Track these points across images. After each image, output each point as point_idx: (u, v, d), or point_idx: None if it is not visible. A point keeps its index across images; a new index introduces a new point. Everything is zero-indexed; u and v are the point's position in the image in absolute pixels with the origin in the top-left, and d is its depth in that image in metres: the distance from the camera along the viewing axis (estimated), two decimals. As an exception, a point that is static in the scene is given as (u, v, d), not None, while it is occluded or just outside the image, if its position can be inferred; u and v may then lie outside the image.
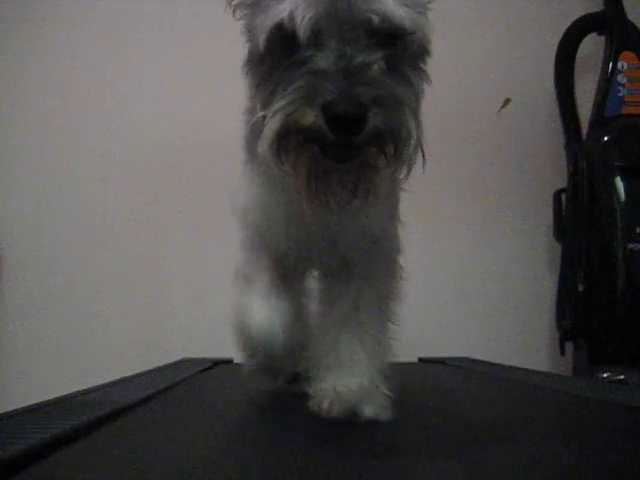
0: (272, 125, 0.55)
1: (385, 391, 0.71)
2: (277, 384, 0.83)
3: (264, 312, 0.69)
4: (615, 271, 1.58)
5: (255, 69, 0.62)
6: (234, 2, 0.64)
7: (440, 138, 1.81)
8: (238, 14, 0.64)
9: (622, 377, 1.51)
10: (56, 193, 1.84)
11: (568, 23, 1.76)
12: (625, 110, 1.69)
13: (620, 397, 0.87)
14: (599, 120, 1.70)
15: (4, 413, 0.68)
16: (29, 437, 0.54)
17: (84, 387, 0.92)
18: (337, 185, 0.59)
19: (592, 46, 1.80)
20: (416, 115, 0.58)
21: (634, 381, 1.49)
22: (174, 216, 1.82)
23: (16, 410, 0.70)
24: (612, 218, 1.60)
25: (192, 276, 1.80)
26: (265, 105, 0.58)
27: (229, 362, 1.43)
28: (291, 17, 0.55)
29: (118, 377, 1.07)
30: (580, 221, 1.65)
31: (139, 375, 1.14)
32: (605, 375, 1.54)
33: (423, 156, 0.60)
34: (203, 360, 1.46)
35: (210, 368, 1.34)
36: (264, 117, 0.57)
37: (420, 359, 1.57)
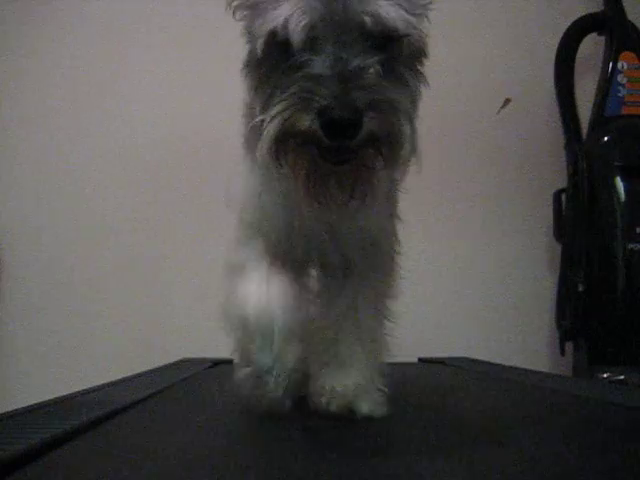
0: (270, 130, 0.56)
1: (381, 388, 0.73)
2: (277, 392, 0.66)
3: (265, 299, 0.67)
4: (615, 271, 1.58)
5: (254, 72, 0.63)
6: (234, 3, 0.64)
7: (440, 138, 1.82)
8: (238, 15, 0.64)
9: (622, 377, 1.51)
10: (56, 193, 1.84)
11: (568, 23, 1.76)
12: (625, 110, 1.69)
13: (620, 397, 0.87)
14: (599, 120, 1.70)
15: (4, 413, 0.68)
16: (29, 437, 0.54)
17: (84, 387, 0.92)
18: (335, 187, 0.59)
19: (592, 46, 1.80)
20: (411, 118, 0.58)
21: (634, 381, 1.49)
22: (174, 216, 1.82)
23: (16, 410, 0.70)
24: (612, 218, 1.60)
25: (192, 276, 1.79)
26: (264, 109, 0.59)
27: (229, 362, 1.43)
28: (285, 25, 0.56)
29: (118, 377, 1.07)
30: (580, 221, 1.65)
31: (139, 375, 1.14)
32: (605, 375, 1.54)
33: (418, 158, 0.60)
34: (203, 360, 1.46)
35: (210, 368, 1.34)
36: (262, 121, 0.57)
37: (420, 359, 1.57)
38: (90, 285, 1.81)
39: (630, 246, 1.57)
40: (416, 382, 1.16)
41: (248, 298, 0.68)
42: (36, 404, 0.75)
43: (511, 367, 1.31)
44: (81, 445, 0.57)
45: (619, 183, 1.60)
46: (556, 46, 1.77)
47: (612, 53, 1.72)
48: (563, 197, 1.74)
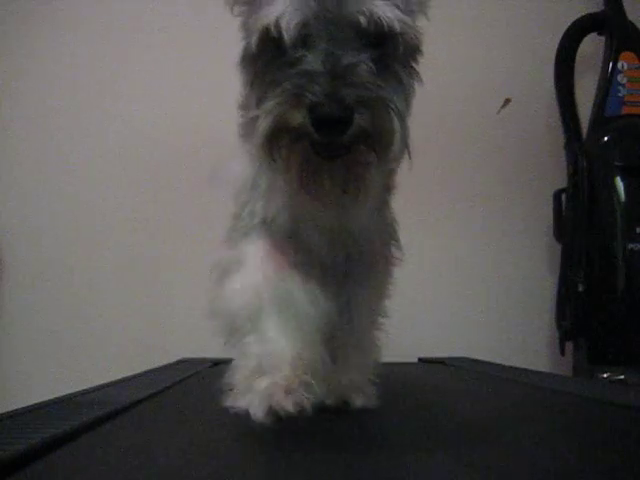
0: (263, 125, 0.57)
1: (373, 384, 0.78)
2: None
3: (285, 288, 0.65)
4: (615, 271, 1.58)
5: (249, 67, 0.63)
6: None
7: (440, 138, 1.82)
8: (236, 11, 0.65)
9: (622, 377, 1.51)
10: (56, 193, 1.84)
11: (568, 23, 1.76)
12: (625, 110, 1.69)
13: (620, 397, 0.87)
14: (599, 120, 1.70)
15: (4, 413, 0.68)
16: (29, 437, 0.54)
17: (84, 387, 0.92)
18: (328, 182, 0.60)
19: (592, 46, 1.80)
20: (402, 115, 0.59)
21: (634, 381, 1.49)
22: (174, 216, 1.82)
23: (16, 410, 0.70)
24: (612, 218, 1.60)
25: (192, 276, 1.79)
26: (258, 104, 0.59)
27: (229, 362, 1.43)
28: (277, 22, 0.56)
29: (118, 377, 1.07)
30: (580, 221, 1.65)
31: (139, 375, 1.14)
32: (605, 375, 1.54)
33: (409, 155, 0.61)
34: (203, 360, 1.46)
35: (210, 368, 1.34)
36: (257, 117, 0.58)
37: (420, 359, 1.57)
38: (90, 285, 1.81)
39: (630, 246, 1.57)
40: (416, 382, 1.16)
41: (265, 288, 0.66)
42: (36, 404, 0.75)
43: (511, 367, 1.31)
44: (81, 445, 0.57)
45: (619, 183, 1.60)
46: (556, 46, 1.77)
47: (612, 53, 1.72)
48: (563, 197, 1.74)
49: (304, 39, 0.57)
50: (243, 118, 0.70)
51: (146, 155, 1.83)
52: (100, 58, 1.86)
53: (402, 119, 0.58)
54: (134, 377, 1.11)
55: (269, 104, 0.56)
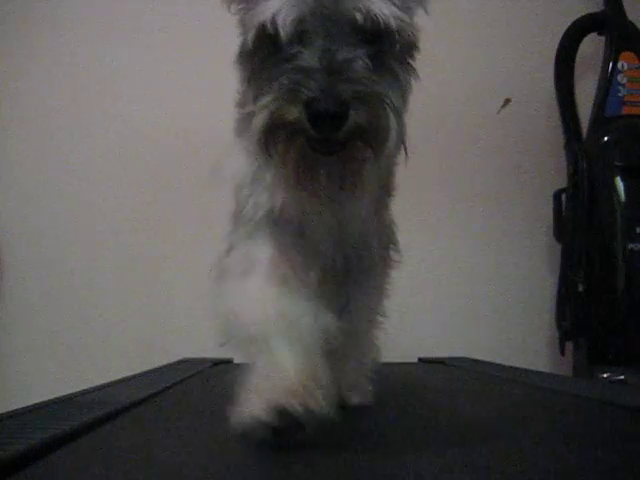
0: (259, 120, 0.57)
1: (369, 382, 0.82)
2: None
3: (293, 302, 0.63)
4: (615, 271, 1.58)
5: (246, 63, 0.63)
6: None
7: (440, 138, 1.82)
8: (233, 8, 0.65)
9: (622, 377, 1.51)
10: (56, 193, 1.84)
11: (568, 23, 1.76)
12: (625, 110, 1.69)
13: (620, 397, 0.87)
14: (599, 120, 1.70)
15: (4, 413, 0.68)
16: (29, 437, 0.54)
17: (84, 387, 0.92)
18: (324, 177, 0.60)
19: (592, 46, 1.80)
20: (398, 111, 0.59)
21: (634, 381, 1.49)
22: (174, 216, 1.82)
23: (16, 410, 0.70)
24: (612, 218, 1.60)
25: (192, 276, 1.79)
26: (255, 100, 0.59)
27: (229, 362, 1.43)
28: (273, 18, 0.56)
29: (118, 377, 1.07)
30: (580, 221, 1.65)
31: (139, 375, 1.14)
32: (605, 375, 1.54)
33: (406, 151, 0.61)
34: (203, 360, 1.46)
35: (210, 368, 1.34)
36: (253, 112, 0.58)
37: (420, 359, 1.57)
38: (90, 285, 1.81)
39: (630, 246, 1.57)
40: (416, 382, 1.16)
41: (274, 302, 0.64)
42: (36, 404, 0.75)
43: (511, 367, 1.31)
44: (81, 445, 0.57)
45: (619, 183, 1.60)
46: (556, 46, 1.77)
47: (612, 53, 1.72)
48: (563, 197, 1.74)
49: (300, 35, 0.57)
50: (239, 115, 0.70)
51: (146, 155, 1.83)
52: (100, 58, 1.86)
53: (398, 115, 0.58)
54: (134, 377, 1.11)
55: (265, 99, 0.57)
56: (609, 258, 1.60)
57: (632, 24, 1.73)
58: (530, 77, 1.86)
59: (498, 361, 1.42)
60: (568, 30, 1.76)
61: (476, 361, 1.46)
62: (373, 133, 0.57)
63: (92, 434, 0.61)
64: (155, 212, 1.82)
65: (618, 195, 1.60)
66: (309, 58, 0.56)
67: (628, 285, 1.56)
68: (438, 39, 1.88)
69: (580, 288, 1.61)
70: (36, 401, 0.77)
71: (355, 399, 0.78)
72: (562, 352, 1.67)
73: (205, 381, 1.16)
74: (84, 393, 0.87)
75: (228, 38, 0.65)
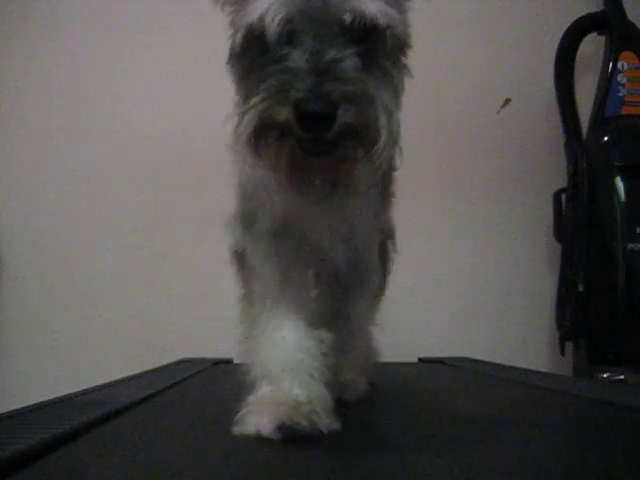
0: (247, 121, 0.57)
1: (365, 381, 0.86)
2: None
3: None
4: (615, 271, 1.58)
5: (236, 65, 0.63)
6: None
7: (440, 138, 1.82)
8: (226, 10, 0.65)
9: (622, 377, 1.51)
10: (56, 193, 1.84)
11: (568, 23, 1.76)
12: (625, 110, 1.69)
13: (620, 397, 0.87)
14: (599, 120, 1.70)
15: (4, 413, 0.68)
16: (29, 437, 0.54)
17: (84, 387, 0.92)
18: (316, 177, 0.60)
19: (592, 46, 1.80)
20: (390, 110, 0.58)
21: (634, 381, 1.49)
22: (174, 216, 1.82)
23: (16, 410, 0.70)
24: (612, 218, 1.60)
25: (192, 276, 1.79)
26: (245, 101, 0.59)
27: (229, 362, 1.43)
28: (260, 20, 0.56)
29: (118, 377, 1.07)
30: (580, 221, 1.65)
31: (139, 375, 1.14)
32: (605, 375, 1.54)
33: (400, 150, 0.61)
34: (203, 360, 1.46)
35: (210, 368, 1.34)
36: (243, 114, 0.58)
37: (420, 359, 1.57)
38: (90, 285, 1.81)
39: (630, 246, 1.57)
40: (416, 382, 1.16)
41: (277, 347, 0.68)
42: (36, 404, 0.75)
43: (511, 367, 1.31)
44: (81, 445, 0.57)
45: (619, 183, 1.60)
46: (556, 46, 1.77)
47: (612, 53, 1.72)
48: (563, 197, 1.74)
49: (289, 36, 0.57)
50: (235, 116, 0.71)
51: (146, 155, 1.83)
52: (100, 58, 1.86)
53: (390, 114, 0.58)
54: (134, 377, 1.11)
55: (254, 100, 0.56)
56: (609, 258, 1.60)
57: (632, 24, 1.73)
58: (530, 77, 1.86)
59: (498, 361, 1.42)
60: (568, 30, 1.76)
61: (476, 361, 1.46)
62: (363, 133, 0.57)
63: (92, 434, 0.61)
64: (155, 212, 1.83)
65: (618, 195, 1.60)
66: (297, 59, 0.55)
67: (628, 285, 1.56)
68: (438, 39, 1.89)
69: (580, 288, 1.61)
70: (36, 401, 0.77)
71: (350, 396, 0.79)
72: (562, 352, 1.67)
73: (205, 381, 1.16)
74: (84, 393, 0.87)
75: (228, 38, 0.65)
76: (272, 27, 0.56)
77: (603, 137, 1.67)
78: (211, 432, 0.65)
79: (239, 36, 0.60)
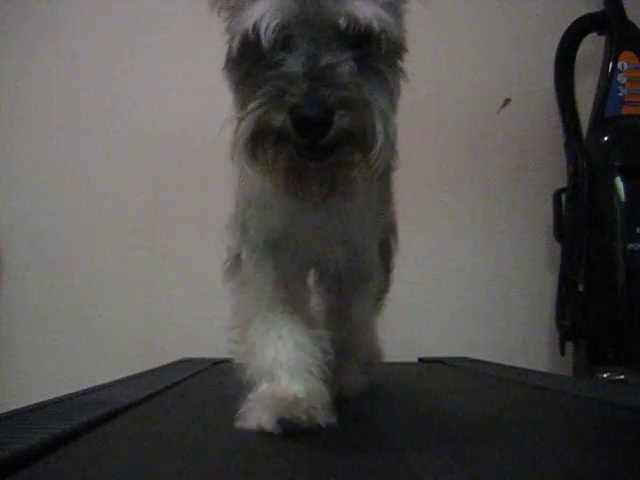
0: (244, 127, 0.57)
1: (365, 380, 0.88)
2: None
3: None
4: (615, 271, 1.58)
5: (233, 70, 0.63)
6: (217, 4, 0.65)
7: (440, 138, 1.82)
8: (222, 15, 0.65)
9: (622, 377, 1.51)
10: (56, 193, 1.84)
11: (568, 23, 1.76)
12: (625, 110, 1.69)
13: (620, 397, 0.87)
14: (599, 120, 1.70)
15: (4, 413, 0.68)
16: (29, 437, 0.54)
17: (84, 387, 0.92)
18: (314, 182, 0.60)
19: (592, 46, 1.80)
20: (386, 115, 0.58)
21: (634, 381, 1.49)
22: (174, 216, 1.82)
23: (16, 410, 0.70)
24: (612, 218, 1.60)
25: (192, 276, 1.79)
26: (242, 107, 0.60)
27: (229, 362, 1.43)
28: (255, 26, 0.56)
29: (118, 377, 1.07)
30: (580, 221, 1.65)
31: (139, 375, 1.14)
32: (605, 375, 1.54)
33: (397, 154, 0.62)
34: (203, 360, 1.46)
35: (210, 368, 1.34)
36: (240, 119, 0.58)
37: (420, 359, 1.57)
38: (90, 285, 1.81)
39: (630, 246, 1.57)
40: (416, 382, 1.16)
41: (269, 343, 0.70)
42: (36, 404, 0.75)
43: (511, 367, 1.31)
44: (81, 445, 0.57)
45: (619, 183, 1.60)
46: (556, 46, 1.77)
47: (612, 53, 1.72)
48: (563, 197, 1.74)
49: (285, 41, 0.57)
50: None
51: (146, 155, 1.83)
52: (100, 58, 1.86)
53: (386, 118, 0.58)
54: (134, 377, 1.11)
55: (251, 106, 0.56)
56: (609, 258, 1.59)
57: (632, 24, 1.73)
58: (530, 77, 1.86)
59: (498, 361, 1.42)
60: (568, 30, 1.76)
61: (476, 361, 1.46)
62: (360, 137, 0.57)
63: (92, 434, 0.61)
64: (155, 212, 1.83)
65: (618, 195, 1.60)
66: (293, 64, 0.56)
67: (628, 285, 1.56)
68: (438, 39, 1.89)
69: (580, 288, 1.61)
70: (36, 401, 0.77)
71: (348, 393, 0.81)
72: (562, 352, 1.67)
73: (205, 381, 1.16)
74: (84, 393, 0.87)
75: (224, 44, 0.65)
76: (267, 33, 0.56)
77: (603, 137, 1.67)
78: (211, 432, 0.65)
79: (235, 42, 0.60)
